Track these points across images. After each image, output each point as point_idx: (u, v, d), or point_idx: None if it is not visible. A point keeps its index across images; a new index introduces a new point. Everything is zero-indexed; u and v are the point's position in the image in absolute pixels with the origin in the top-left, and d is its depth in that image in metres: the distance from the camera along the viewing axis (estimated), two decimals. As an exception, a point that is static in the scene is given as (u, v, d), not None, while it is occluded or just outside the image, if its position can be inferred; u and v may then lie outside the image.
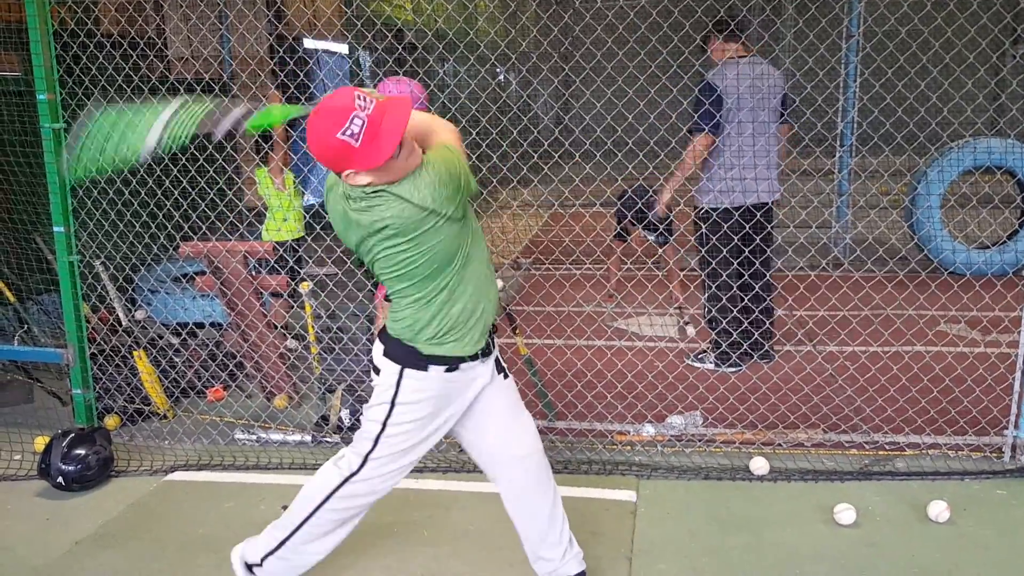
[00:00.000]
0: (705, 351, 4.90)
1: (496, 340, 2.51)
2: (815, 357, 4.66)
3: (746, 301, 4.50)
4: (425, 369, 2.33)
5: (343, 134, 2.01)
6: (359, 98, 2.03)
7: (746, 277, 4.57)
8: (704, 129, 4.42)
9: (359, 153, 2.03)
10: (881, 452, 3.71)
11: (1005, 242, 7.01)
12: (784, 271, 5.00)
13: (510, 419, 2.54)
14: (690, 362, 4.89)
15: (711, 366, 4.79)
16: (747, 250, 4.49)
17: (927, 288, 4.51)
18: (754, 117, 4.41)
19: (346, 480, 2.48)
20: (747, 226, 4.49)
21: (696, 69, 4.03)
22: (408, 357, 2.33)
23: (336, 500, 2.51)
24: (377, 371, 2.40)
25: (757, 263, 4.49)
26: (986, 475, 3.50)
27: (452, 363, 2.34)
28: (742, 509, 3.31)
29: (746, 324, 4.57)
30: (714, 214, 4.48)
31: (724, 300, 4.57)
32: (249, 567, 2.65)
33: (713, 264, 4.52)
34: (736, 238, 4.50)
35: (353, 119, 2.00)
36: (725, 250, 4.50)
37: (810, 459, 3.69)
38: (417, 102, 3.47)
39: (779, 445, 3.81)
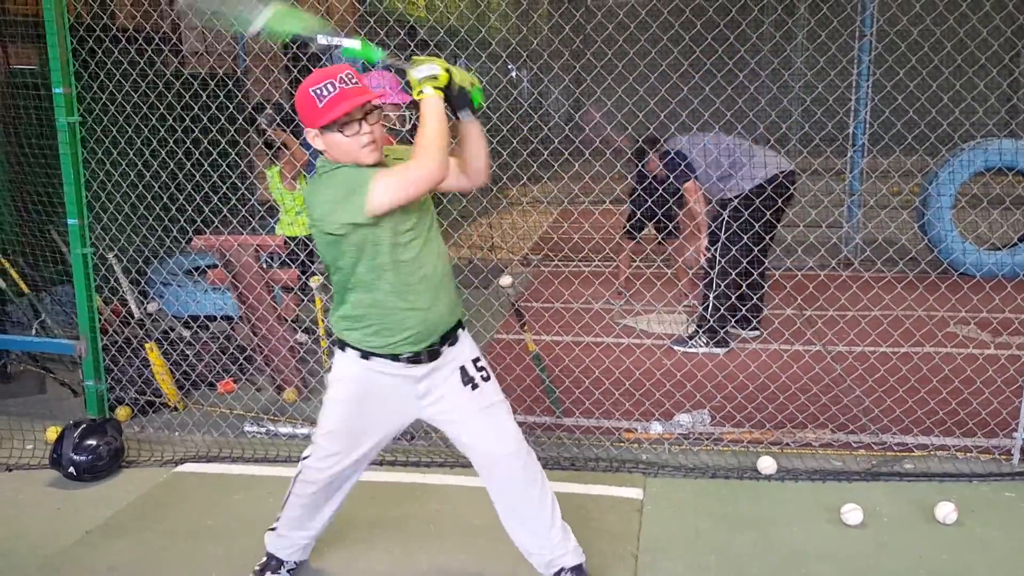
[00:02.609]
0: (693, 335, 5.01)
1: (458, 352, 2.51)
2: (824, 357, 4.66)
3: (755, 276, 4.70)
4: (343, 350, 2.46)
5: (314, 91, 2.20)
6: (347, 75, 2.22)
7: (755, 252, 4.76)
8: (690, 177, 4.94)
9: (316, 112, 2.20)
10: (889, 453, 3.71)
11: (1016, 244, 6.98)
12: (794, 270, 5.00)
13: (483, 422, 2.53)
14: (671, 345, 5.06)
15: (703, 348, 4.89)
16: (759, 224, 4.63)
17: (937, 289, 4.51)
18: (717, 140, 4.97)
19: (302, 463, 2.63)
20: (758, 204, 4.66)
21: (707, 68, 4.04)
22: (339, 336, 2.47)
23: (298, 485, 2.65)
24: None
25: (767, 239, 4.80)
26: (995, 477, 3.49)
27: (364, 353, 2.42)
28: (749, 508, 3.31)
29: (752, 301, 4.80)
30: (735, 200, 4.73)
31: (733, 275, 4.80)
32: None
33: (729, 246, 4.75)
34: (749, 227, 4.67)
35: (328, 84, 2.20)
36: (738, 238, 4.69)
37: (818, 459, 3.69)
38: (391, 95, 3.49)
39: (787, 444, 3.81)
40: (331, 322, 2.48)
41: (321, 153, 2.33)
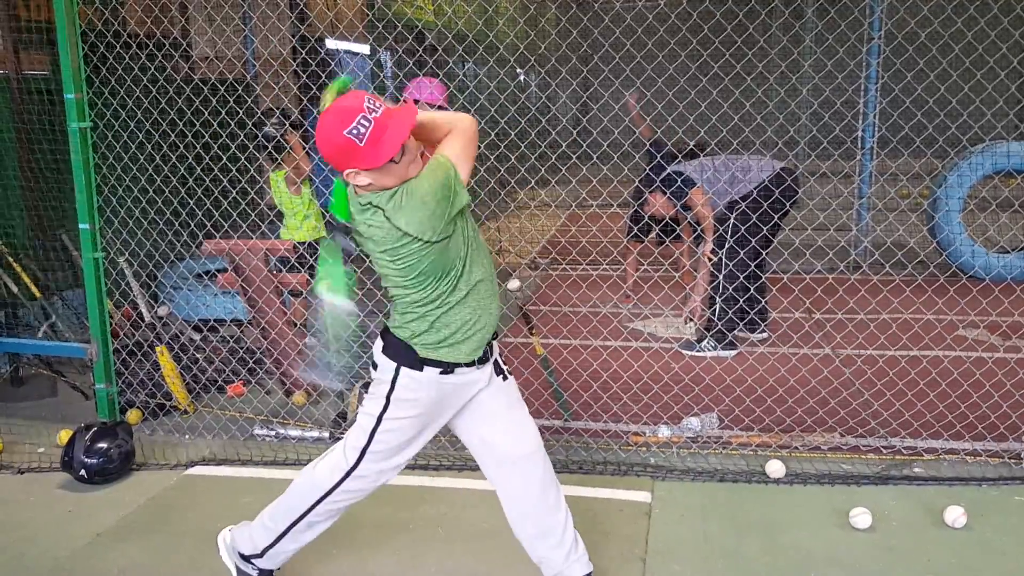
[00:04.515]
0: (700, 339, 5.03)
1: (496, 345, 2.53)
2: (833, 360, 4.65)
3: (763, 279, 4.74)
4: (420, 369, 2.37)
5: (349, 132, 2.10)
6: (368, 101, 2.13)
7: (764, 255, 4.81)
8: (696, 183, 5.04)
9: (362, 152, 2.11)
10: (898, 456, 3.70)
11: (1026, 247, 6.95)
12: (803, 274, 5.00)
13: (508, 419, 2.53)
14: (679, 349, 5.10)
15: (711, 351, 4.90)
16: (766, 227, 4.66)
17: (946, 292, 4.49)
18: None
19: (348, 474, 2.53)
20: (764, 206, 4.67)
21: (715, 72, 4.04)
22: (406, 356, 2.38)
23: (338, 493, 2.57)
24: (375, 366, 2.45)
25: (775, 242, 4.83)
26: (1004, 481, 3.48)
27: (447, 367, 2.38)
28: (758, 512, 3.31)
29: (760, 304, 4.87)
30: (743, 203, 4.77)
31: (741, 278, 4.80)
32: (246, 558, 2.69)
33: (736, 248, 4.80)
34: (754, 228, 4.70)
35: (360, 119, 2.10)
36: (743, 239, 4.73)
37: (827, 463, 3.68)
38: (438, 102, 3.49)
39: (796, 448, 3.81)
40: (415, 348, 2.36)
41: (339, 173, 2.25)
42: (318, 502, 2.57)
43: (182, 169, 4.50)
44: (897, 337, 5.01)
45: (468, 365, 2.40)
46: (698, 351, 5.10)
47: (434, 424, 2.50)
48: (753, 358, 4.72)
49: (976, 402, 3.96)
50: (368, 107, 2.11)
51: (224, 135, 4.23)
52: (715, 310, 5.04)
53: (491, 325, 2.41)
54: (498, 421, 2.52)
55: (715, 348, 5.02)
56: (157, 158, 4.49)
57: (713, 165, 5.10)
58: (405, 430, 2.45)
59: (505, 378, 2.54)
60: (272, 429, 4.16)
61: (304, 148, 4.93)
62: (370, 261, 2.40)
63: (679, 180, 5.10)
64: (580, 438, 3.99)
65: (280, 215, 5.10)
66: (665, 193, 5.20)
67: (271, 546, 2.63)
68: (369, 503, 3.17)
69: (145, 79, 4.26)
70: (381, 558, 3.03)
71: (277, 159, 4.98)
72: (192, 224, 4.53)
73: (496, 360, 2.53)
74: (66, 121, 3.84)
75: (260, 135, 4.82)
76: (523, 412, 2.58)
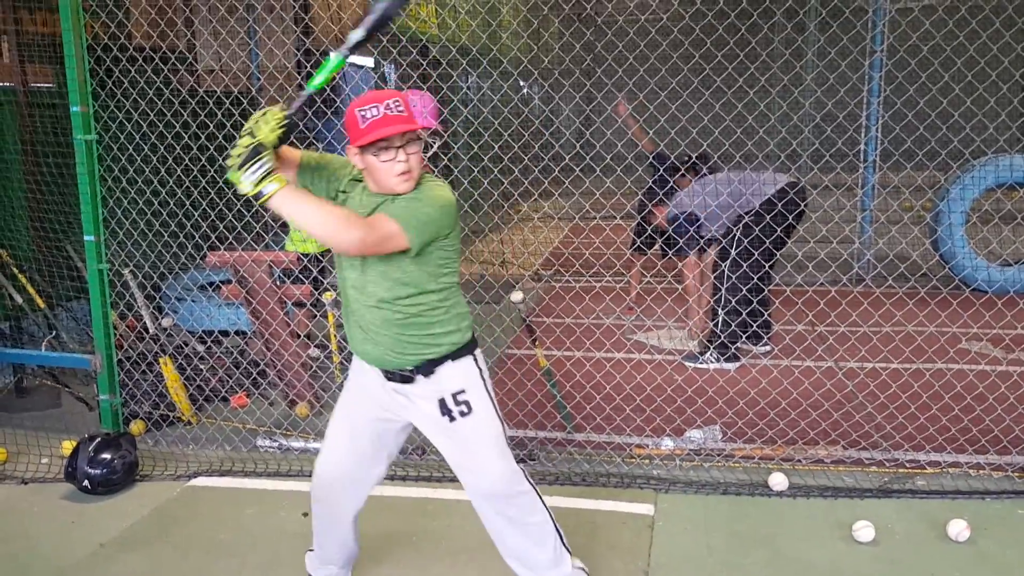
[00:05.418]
0: (703, 351, 5.03)
1: (429, 380, 2.44)
2: (835, 373, 4.65)
3: (766, 292, 4.75)
4: (475, 349, 2.53)
5: (360, 111, 2.24)
6: (395, 101, 2.26)
7: (767, 268, 4.80)
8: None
9: (358, 131, 2.24)
10: (901, 470, 3.69)
11: (1029, 260, 6.94)
12: (805, 286, 5.01)
13: (459, 462, 2.51)
14: (683, 361, 5.12)
15: (714, 363, 4.91)
16: (770, 239, 4.66)
17: (949, 305, 4.49)
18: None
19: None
20: (769, 219, 4.69)
21: (717, 85, 4.06)
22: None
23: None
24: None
25: (778, 255, 4.86)
26: (1007, 495, 3.47)
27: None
28: (760, 525, 3.30)
29: (763, 317, 4.92)
30: (747, 217, 4.81)
31: (744, 290, 4.82)
32: None
33: (739, 261, 4.82)
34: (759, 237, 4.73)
35: (374, 107, 2.24)
36: (751, 247, 4.77)
37: (829, 475, 3.68)
38: (432, 127, 3.51)
39: (798, 461, 3.80)
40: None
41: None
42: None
43: (187, 181, 4.52)
44: (900, 350, 5.01)
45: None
46: (701, 363, 5.10)
47: (352, 407, 2.62)
48: (756, 370, 4.72)
49: (979, 415, 3.96)
50: (390, 104, 2.24)
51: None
52: (718, 322, 5.04)
53: (366, 345, 2.45)
54: (452, 461, 2.55)
55: (718, 360, 5.02)
56: (162, 170, 4.51)
57: (716, 180, 5.11)
58: (341, 398, 2.63)
59: (452, 420, 2.45)
60: (275, 440, 4.16)
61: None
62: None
63: (683, 220, 5.19)
64: (583, 450, 3.99)
65: (285, 226, 5.12)
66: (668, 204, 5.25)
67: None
68: (371, 515, 3.17)
69: (151, 91, 4.29)
70: (384, 570, 3.03)
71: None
72: (196, 236, 4.55)
73: (443, 399, 2.45)
74: (72, 133, 3.86)
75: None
76: (477, 456, 2.49)
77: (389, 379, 2.46)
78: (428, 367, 2.41)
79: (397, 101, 2.25)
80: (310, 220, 2.18)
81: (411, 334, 2.38)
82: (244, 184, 2.16)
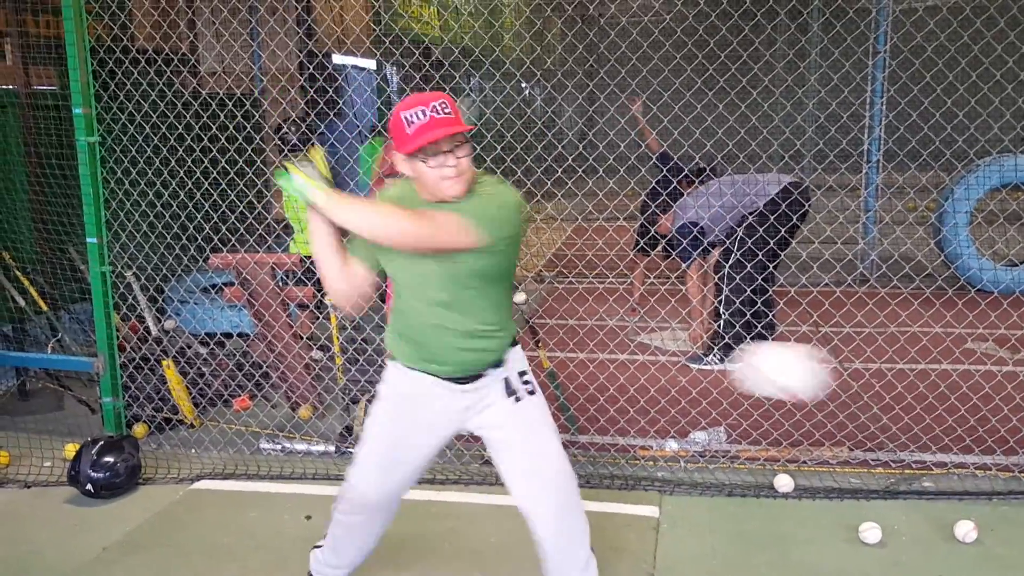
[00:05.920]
0: (707, 352, 5.03)
1: (499, 370, 2.44)
2: (841, 374, 4.63)
3: (770, 293, 4.84)
4: (393, 359, 2.47)
5: (405, 115, 2.18)
6: (440, 103, 2.20)
7: (771, 269, 4.79)
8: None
9: (405, 137, 2.18)
10: (907, 471, 3.68)
11: (1034, 260, 6.92)
12: (810, 287, 4.99)
13: (523, 447, 2.47)
14: (686, 362, 5.11)
15: (718, 365, 4.90)
16: (774, 240, 4.65)
17: (954, 306, 4.48)
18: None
19: (345, 485, 2.55)
20: (773, 218, 4.68)
21: (720, 85, 4.05)
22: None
23: (341, 503, 2.57)
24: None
25: (782, 256, 4.83)
26: (1014, 495, 3.45)
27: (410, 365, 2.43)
28: (766, 527, 3.29)
29: (767, 318, 4.90)
30: (751, 217, 4.78)
31: (748, 292, 4.82)
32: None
33: (743, 262, 4.81)
34: (762, 238, 4.72)
35: (419, 110, 2.17)
36: (754, 248, 4.76)
37: (835, 477, 3.66)
38: None
39: (804, 462, 3.79)
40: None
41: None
42: (333, 515, 2.62)
43: (189, 183, 4.52)
44: (905, 350, 4.99)
45: (432, 376, 2.45)
46: (705, 364, 5.09)
47: (411, 431, 2.55)
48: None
49: (986, 416, 3.94)
50: (436, 106, 2.18)
51: (231, 149, 4.24)
52: (722, 323, 5.03)
53: (439, 352, 2.40)
54: (515, 446, 2.50)
55: (722, 361, 5.01)
56: (165, 172, 4.51)
57: (719, 182, 5.09)
58: (380, 427, 2.55)
59: (518, 399, 2.46)
60: (278, 443, 4.15)
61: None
62: (380, 273, 2.41)
63: (695, 230, 5.16)
64: (587, 452, 3.98)
65: (288, 228, 5.11)
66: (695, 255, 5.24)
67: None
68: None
69: (153, 93, 4.29)
70: (388, 573, 3.02)
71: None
72: (199, 238, 4.54)
73: (507, 378, 2.46)
74: (75, 135, 3.86)
75: (276, 138, 4.86)
76: (542, 436, 2.48)
77: (460, 383, 2.41)
78: (499, 359, 2.44)
79: (444, 103, 2.19)
80: (373, 222, 2.19)
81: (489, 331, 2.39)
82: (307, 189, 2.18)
